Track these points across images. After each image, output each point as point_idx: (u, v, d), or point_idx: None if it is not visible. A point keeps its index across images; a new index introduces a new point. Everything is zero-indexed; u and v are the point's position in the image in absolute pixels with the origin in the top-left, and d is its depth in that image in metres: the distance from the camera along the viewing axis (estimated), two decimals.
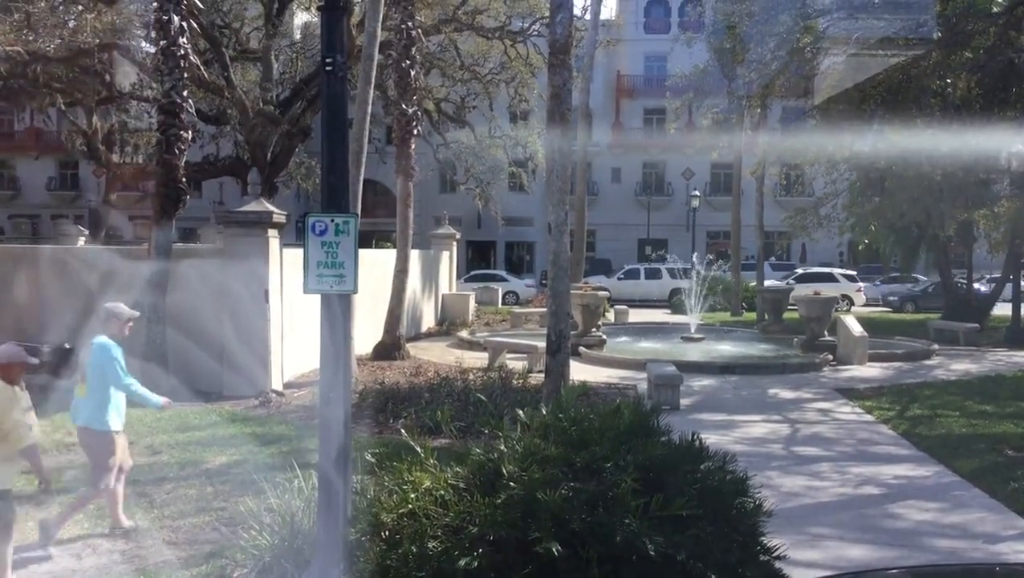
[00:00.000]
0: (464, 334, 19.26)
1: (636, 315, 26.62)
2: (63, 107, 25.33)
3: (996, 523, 7.27)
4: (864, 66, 16.41)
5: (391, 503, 4.60)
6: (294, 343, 13.08)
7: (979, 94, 14.07)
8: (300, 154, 30.86)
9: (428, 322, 22.36)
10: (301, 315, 13.64)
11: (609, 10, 43.69)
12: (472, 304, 24.89)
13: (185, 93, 11.34)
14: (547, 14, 26.67)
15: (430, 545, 4.35)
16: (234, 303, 11.82)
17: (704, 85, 22.51)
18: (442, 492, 4.62)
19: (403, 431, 5.28)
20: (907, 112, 14.64)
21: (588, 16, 25.95)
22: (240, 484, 7.51)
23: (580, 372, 14.78)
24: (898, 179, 16.18)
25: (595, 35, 24.77)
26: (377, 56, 12.99)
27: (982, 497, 7.96)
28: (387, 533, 4.52)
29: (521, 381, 12.48)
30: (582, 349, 16.80)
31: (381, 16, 13.07)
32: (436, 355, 16.72)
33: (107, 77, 22.80)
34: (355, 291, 4.94)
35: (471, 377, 12.96)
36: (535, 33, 26.62)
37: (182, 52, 11.11)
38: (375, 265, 17.39)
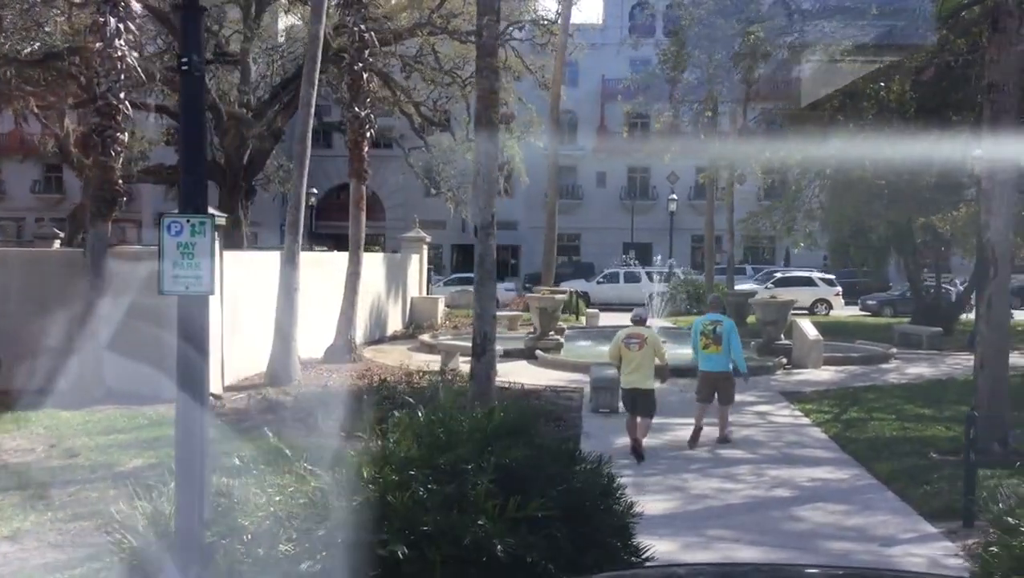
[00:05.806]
0: (426, 337, 19.24)
1: (611, 318, 26.48)
2: (35, 110, 25.29)
3: (898, 526, 7.25)
4: (836, 72, 16.39)
5: (251, 506, 4.64)
6: (239, 345, 13.06)
7: (913, 98, 14.10)
8: (279, 157, 30.86)
9: (395, 325, 22.31)
10: (247, 317, 13.62)
11: (583, 13, 43.67)
12: (441, 307, 24.85)
13: (122, 95, 11.34)
14: (523, 18, 26.90)
15: (281, 549, 4.39)
16: (173, 304, 11.76)
17: (655, 91, 22.66)
18: (308, 495, 4.67)
19: (270, 434, 5.25)
20: (851, 117, 14.67)
21: (561, 21, 26.06)
22: (145, 487, 7.48)
23: (530, 375, 14.80)
24: (842, 184, 16.23)
25: (565, 39, 24.85)
26: (320, 58, 13.01)
27: (893, 500, 7.95)
28: (249, 536, 4.54)
29: (466, 383, 12.45)
30: (539, 352, 16.81)
31: (324, 19, 13.11)
32: (394, 358, 16.62)
33: (81, 80, 22.76)
34: (212, 292, 4.96)
35: (416, 380, 12.94)
36: (509, 37, 26.58)
37: (119, 54, 11.11)
38: (333, 268, 17.39)
